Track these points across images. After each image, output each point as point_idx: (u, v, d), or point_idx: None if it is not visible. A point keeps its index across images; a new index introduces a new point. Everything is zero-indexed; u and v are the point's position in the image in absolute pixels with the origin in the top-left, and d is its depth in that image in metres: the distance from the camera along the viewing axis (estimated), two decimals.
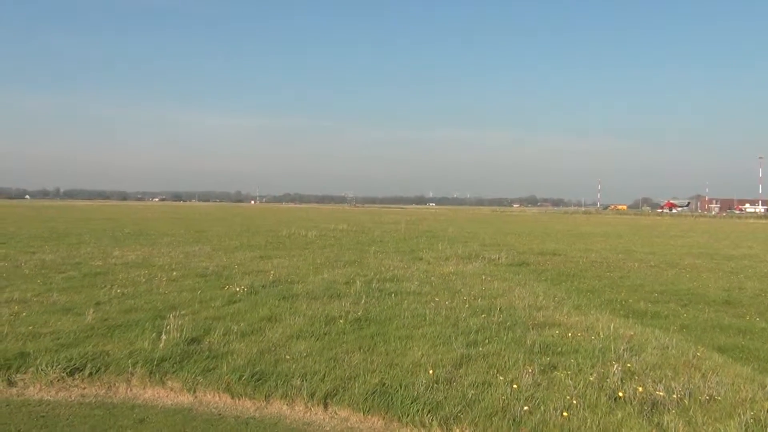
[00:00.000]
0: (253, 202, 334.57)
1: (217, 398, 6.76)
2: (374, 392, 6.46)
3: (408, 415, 5.96)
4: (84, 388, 7.00)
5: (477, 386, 6.65)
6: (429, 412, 5.96)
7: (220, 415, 6.46)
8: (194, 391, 6.83)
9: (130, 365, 7.21)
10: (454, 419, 5.85)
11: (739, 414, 5.87)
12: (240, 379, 6.85)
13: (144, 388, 6.98)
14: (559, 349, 8.31)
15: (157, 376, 7.06)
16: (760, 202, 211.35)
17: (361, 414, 6.20)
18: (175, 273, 15.46)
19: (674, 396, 6.31)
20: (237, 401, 6.67)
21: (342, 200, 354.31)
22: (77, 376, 7.10)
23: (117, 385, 7.04)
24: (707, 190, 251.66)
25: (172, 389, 6.93)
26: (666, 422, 5.72)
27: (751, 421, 5.70)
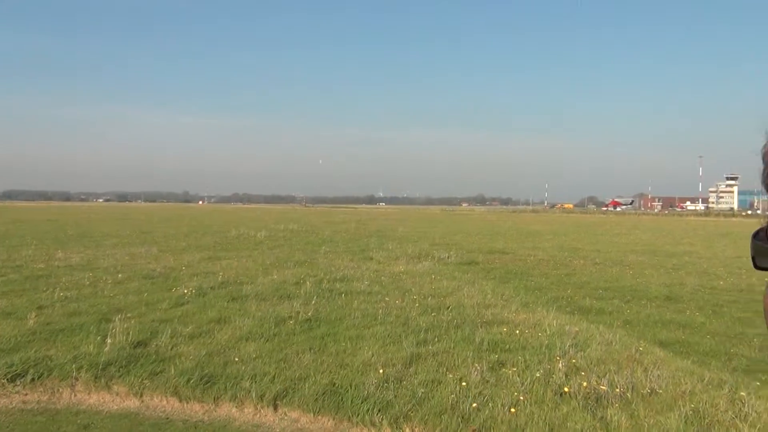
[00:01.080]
0: (201, 202, 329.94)
1: (165, 402, 6.66)
2: (324, 393, 6.46)
3: (358, 415, 5.98)
4: (26, 395, 6.82)
5: (427, 384, 6.71)
6: (379, 411, 5.99)
7: (167, 419, 6.37)
8: (141, 396, 6.72)
9: (74, 370, 7.05)
10: (404, 418, 5.89)
11: (680, 406, 6.05)
12: (188, 382, 6.76)
13: (89, 394, 6.84)
14: (507, 346, 8.44)
15: (103, 380, 6.92)
16: (700, 200, 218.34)
17: (312, 415, 6.20)
18: (120, 275, 15.16)
19: (617, 390, 6.48)
20: (185, 405, 6.59)
21: (292, 200, 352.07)
22: (18, 383, 6.91)
23: (60, 390, 6.88)
24: (650, 188, 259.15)
25: (118, 394, 6.80)
26: (609, 416, 5.87)
27: (691, 413, 5.89)
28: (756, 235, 0.56)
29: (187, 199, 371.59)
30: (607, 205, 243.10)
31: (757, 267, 0.56)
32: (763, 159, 0.53)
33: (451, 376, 6.99)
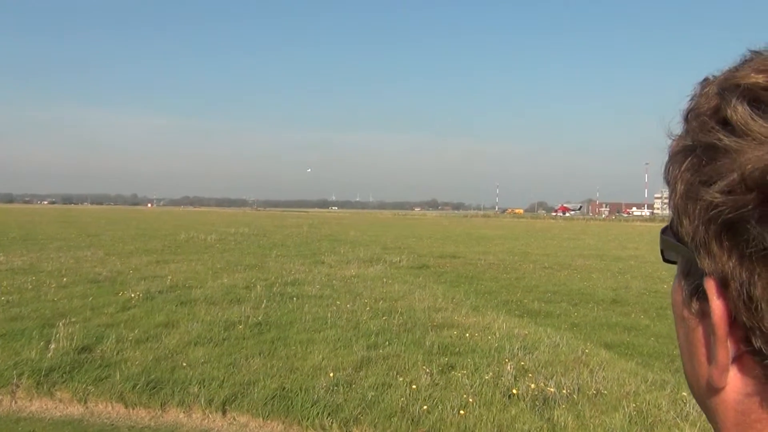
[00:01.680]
0: (150, 205, 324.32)
1: (110, 408, 6.52)
2: (274, 397, 6.42)
3: (308, 419, 5.95)
4: None
5: (377, 388, 6.72)
6: (329, 414, 5.97)
7: (113, 425, 6.24)
8: (85, 402, 6.57)
9: (14, 377, 6.85)
10: (353, 421, 5.89)
11: (624, 406, 6.19)
12: (134, 387, 6.64)
13: (30, 401, 6.65)
14: (457, 349, 8.51)
15: (45, 387, 6.74)
16: (645, 205, 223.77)
17: (261, 419, 6.15)
18: (65, 279, 14.79)
19: (564, 391, 6.59)
20: (131, 411, 6.46)
21: (243, 203, 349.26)
22: None
23: (0, 398, 6.67)
24: (598, 194, 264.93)
25: (61, 400, 6.63)
26: (556, 417, 5.97)
27: (635, 412, 6.03)
28: (664, 231, 0.58)
29: (135, 201, 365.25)
30: (556, 211, 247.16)
31: (665, 260, 0.60)
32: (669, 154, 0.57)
33: (401, 379, 7.01)
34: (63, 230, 40.63)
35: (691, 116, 0.55)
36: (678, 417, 5.91)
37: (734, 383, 0.52)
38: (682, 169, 0.54)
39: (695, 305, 0.55)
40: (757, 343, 0.49)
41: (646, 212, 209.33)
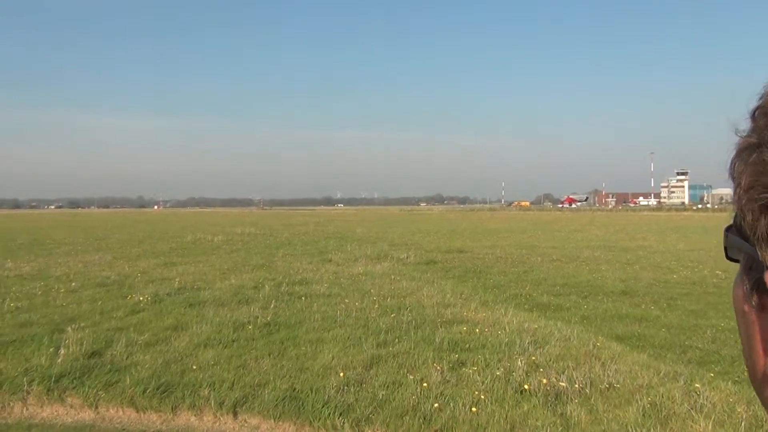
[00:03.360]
0: (156, 207, 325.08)
1: (121, 413, 6.51)
2: (285, 398, 6.39)
3: (319, 419, 5.93)
4: None
5: (388, 386, 6.69)
6: (340, 414, 5.95)
7: (124, 429, 6.23)
8: (96, 407, 6.56)
9: (25, 383, 6.85)
10: (365, 420, 5.86)
11: (637, 400, 6.14)
12: (145, 391, 6.63)
13: (41, 407, 6.64)
14: (467, 345, 8.47)
15: (56, 393, 6.73)
16: (652, 195, 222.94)
17: (272, 420, 6.12)
18: (73, 284, 14.82)
19: (576, 386, 6.54)
20: (142, 415, 6.45)
21: (249, 203, 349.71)
22: None
23: (11, 405, 6.67)
24: (604, 185, 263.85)
25: (72, 406, 6.63)
26: (569, 411, 5.92)
27: (648, 406, 5.98)
28: (728, 229, 0.64)
29: (141, 204, 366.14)
30: (562, 202, 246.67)
31: (728, 258, 0.67)
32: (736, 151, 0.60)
33: (411, 377, 6.98)
34: (70, 235, 40.74)
35: (758, 114, 0.58)
36: (692, 409, 5.86)
37: None
38: (747, 164, 0.56)
39: (755, 299, 0.59)
40: None
41: (652, 201, 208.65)
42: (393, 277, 15.95)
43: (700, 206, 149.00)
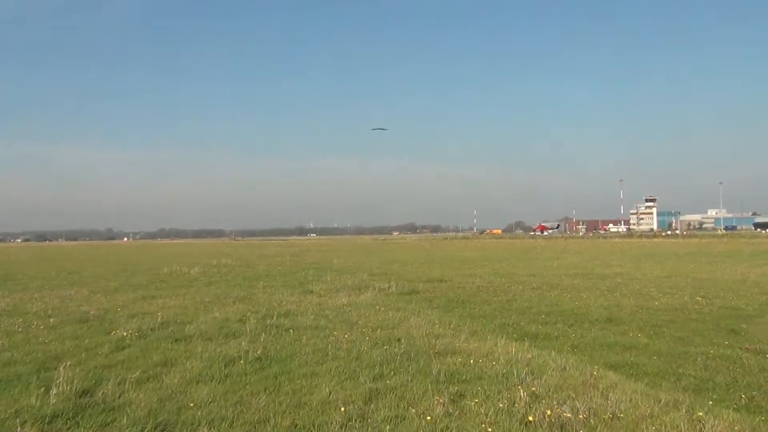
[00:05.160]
0: (126, 239, 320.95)
1: None
2: None
3: None
4: None
5: (390, 421, 6.61)
6: None
7: None
8: None
9: (17, 425, 6.63)
10: None
11: (642, 429, 6.14)
12: (142, 431, 6.46)
13: None
14: (464, 376, 8.42)
15: None
16: (622, 221, 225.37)
17: None
18: (52, 320, 14.50)
19: (580, 416, 6.53)
20: None
21: (220, 234, 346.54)
22: None
23: None
24: (574, 212, 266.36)
25: None
26: None
27: None
28: None
29: (111, 236, 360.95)
30: (534, 230, 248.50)
31: None
32: None
33: (413, 410, 6.91)
34: (42, 269, 40.00)
35: None
36: None
37: None
38: None
39: None
40: None
41: (622, 228, 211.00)
42: (378, 307, 15.86)
43: (669, 232, 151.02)
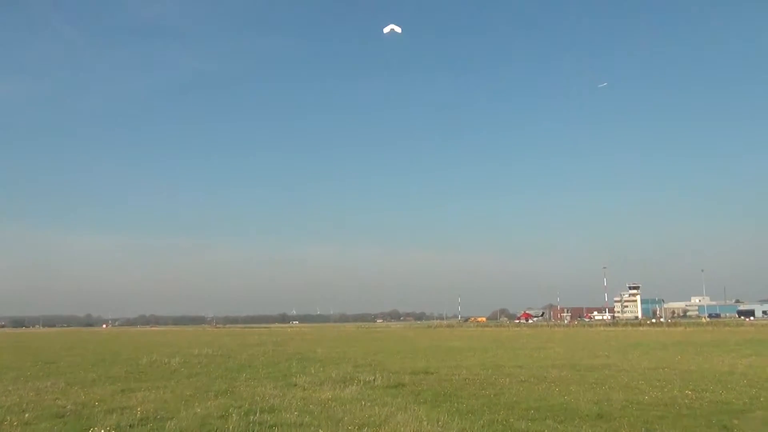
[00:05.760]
0: (105, 325, 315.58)
1: None
2: None
3: None
4: None
5: None
6: None
7: None
8: None
9: None
10: None
11: None
12: None
13: None
14: None
15: None
16: (606, 309, 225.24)
17: None
18: (27, 415, 14.05)
19: None
20: None
21: (201, 320, 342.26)
22: None
23: None
24: (558, 299, 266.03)
25: None
26: None
27: None
28: None
29: (89, 322, 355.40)
30: (519, 318, 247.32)
31: None
32: None
33: None
34: (17, 358, 39.04)
35: None
36: None
37: None
38: None
39: None
40: None
41: (607, 316, 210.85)
42: (363, 402, 15.53)
43: (653, 320, 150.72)
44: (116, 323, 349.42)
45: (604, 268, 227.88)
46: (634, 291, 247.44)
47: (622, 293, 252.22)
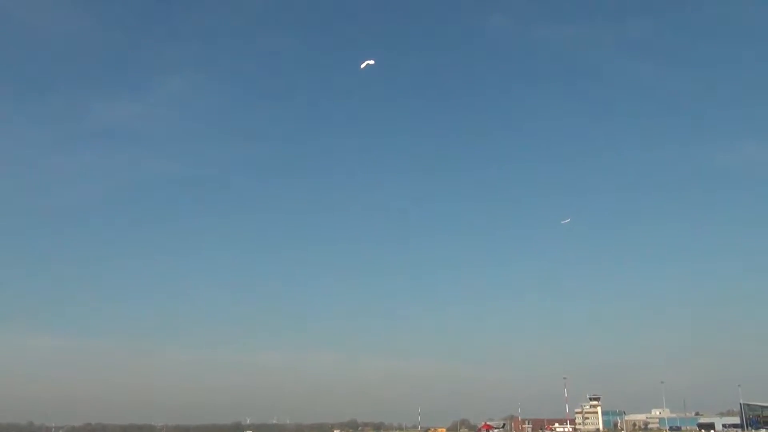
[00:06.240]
0: None
1: None
2: None
3: None
4: None
5: None
6: None
7: None
8: None
9: None
10: None
11: None
12: None
13: None
14: None
15: None
16: (567, 421, 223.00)
17: None
18: None
19: None
20: None
21: (150, 429, 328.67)
22: None
23: None
24: (519, 410, 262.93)
25: None
26: None
27: None
28: None
29: (32, 430, 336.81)
30: (480, 429, 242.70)
31: None
32: None
33: None
34: None
35: None
36: None
37: None
38: None
39: None
40: None
41: (568, 428, 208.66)
42: None
43: None
44: (60, 431, 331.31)
45: (565, 378, 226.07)
46: (595, 402, 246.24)
47: (582, 404, 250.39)
